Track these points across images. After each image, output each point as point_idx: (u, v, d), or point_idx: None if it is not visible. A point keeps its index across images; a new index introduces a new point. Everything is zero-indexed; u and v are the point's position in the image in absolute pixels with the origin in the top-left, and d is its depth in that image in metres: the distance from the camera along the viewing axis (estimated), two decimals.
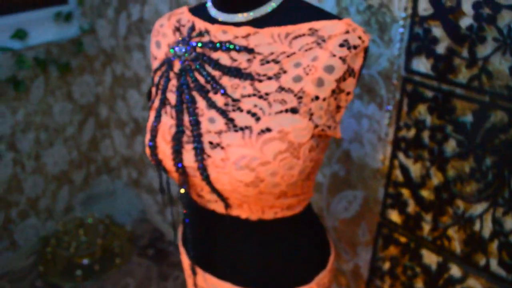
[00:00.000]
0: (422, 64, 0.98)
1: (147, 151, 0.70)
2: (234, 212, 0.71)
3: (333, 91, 0.59)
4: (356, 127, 1.18)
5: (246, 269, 0.76)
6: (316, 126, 0.60)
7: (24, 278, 2.16)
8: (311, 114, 0.59)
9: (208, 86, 0.63)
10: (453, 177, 1.01)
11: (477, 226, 1.01)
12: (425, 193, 1.08)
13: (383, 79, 1.07)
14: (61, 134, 2.40)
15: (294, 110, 0.58)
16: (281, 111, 0.58)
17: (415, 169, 1.08)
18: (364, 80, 1.10)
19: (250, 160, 0.57)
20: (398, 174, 1.12)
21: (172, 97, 0.68)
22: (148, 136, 0.70)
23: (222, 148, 0.60)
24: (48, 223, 2.42)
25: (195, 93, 0.64)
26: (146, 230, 2.46)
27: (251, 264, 0.75)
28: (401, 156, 1.10)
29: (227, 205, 0.69)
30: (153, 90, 0.72)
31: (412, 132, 1.06)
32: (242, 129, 0.59)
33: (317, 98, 0.58)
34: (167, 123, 0.67)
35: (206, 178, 0.63)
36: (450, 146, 0.99)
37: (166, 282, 2.13)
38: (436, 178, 1.04)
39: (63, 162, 2.44)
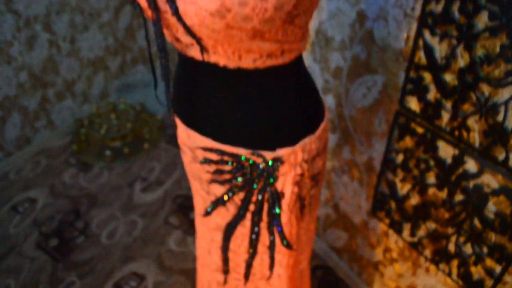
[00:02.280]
0: None
1: None
2: (212, 58, 0.67)
3: None
4: (382, 3, 1.06)
5: (227, 125, 0.74)
6: None
7: (59, 155, 2.32)
8: None
9: None
10: (480, 58, 0.90)
11: (500, 116, 0.91)
12: (448, 77, 0.98)
13: None
14: (96, 19, 2.40)
15: None
16: None
17: (440, 49, 0.97)
18: None
19: None
20: (421, 56, 1.02)
21: None
22: None
23: None
24: (84, 107, 2.53)
25: None
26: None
27: (232, 119, 0.72)
28: (426, 34, 0.99)
29: (202, 48, 0.65)
30: None
31: (440, 6, 0.93)
32: None
33: None
34: None
35: (175, 11, 0.59)
36: (482, 20, 0.87)
37: (185, 174, 2.17)
38: (462, 59, 0.94)
39: (98, 48, 2.47)
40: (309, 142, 0.77)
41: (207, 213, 0.93)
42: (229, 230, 0.91)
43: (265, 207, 0.82)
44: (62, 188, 2.11)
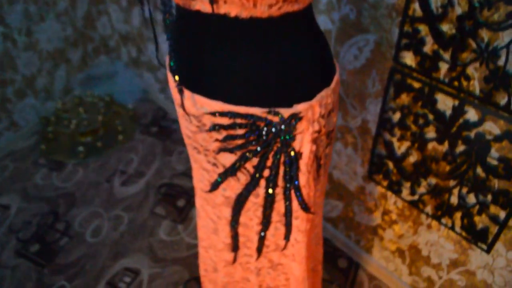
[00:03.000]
0: None
1: None
2: (222, 9, 0.62)
3: None
4: None
5: (239, 84, 0.69)
6: None
7: (26, 157, 2.19)
8: None
9: None
10: (480, 2, 0.89)
11: (501, 60, 0.91)
12: (445, 27, 0.97)
13: None
14: (52, 8, 2.26)
15: None
16: None
17: None
18: None
19: None
20: (416, 8, 1.01)
21: None
22: None
23: None
24: (48, 104, 2.39)
25: None
26: (148, 109, 2.43)
27: (244, 77, 0.68)
28: None
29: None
30: None
31: None
32: None
33: None
34: None
35: None
36: None
37: (170, 157, 2.14)
38: (459, 7, 0.93)
39: (57, 39, 2.34)
40: (326, 96, 0.74)
41: (214, 187, 0.88)
42: (239, 203, 0.88)
43: (281, 170, 0.78)
44: (35, 191, 2.00)
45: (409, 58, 1.07)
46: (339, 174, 1.49)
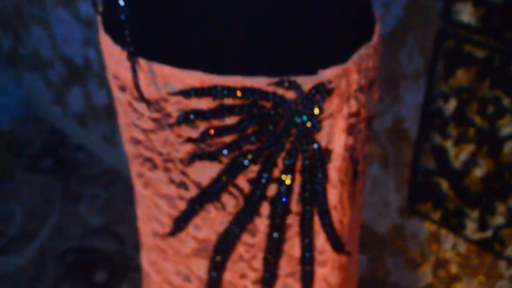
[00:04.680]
0: None
1: None
2: None
3: None
4: None
5: (232, 40, 0.69)
6: None
7: None
8: None
9: None
10: None
11: None
12: None
13: None
14: None
15: None
16: None
17: None
18: None
19: None
20: None
21: None
22: None
23: None
24: None
25: None
26: (35, 132, 2.43)
27: (240, 29, 0.68)
28: None
29: None
30: None
31: None
32: None
33: None
34: None
35: None
36: None
37: (77, 205, 2.13)
38: None
39: None
40: (366, 57, 0.74)
41: (180, 224, 0.85)
42: (224, 248, 0.85)
43: (296, 184, 0.77)
44: None
45: (466, 13, 1.09)
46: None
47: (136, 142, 0.83)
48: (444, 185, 1.29)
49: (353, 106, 0.74)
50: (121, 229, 2.03)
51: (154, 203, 0.88)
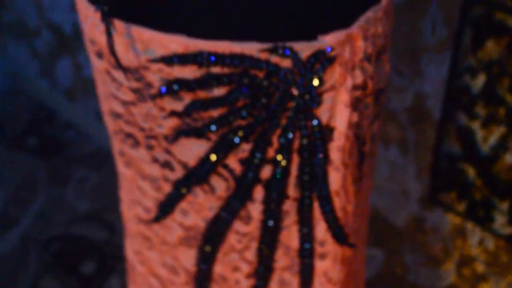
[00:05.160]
0: None
1: None
2: None
3: None
4: None
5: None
6: None
7: None
8: None
9: None
10: None
11: None
12: None
13: None
14: None
15: None
16: None
17: None
18: None
19: None
20: None
21: None
22: None
23: None
24: None
25: None
26: (19, 107, 2.45)
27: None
28: None
29: None
30: None
31: None
32: None
33: None
34: None
35: None
36: None
37: (64, 187, 2.14)
38: None
39: None
40: (374, 20, 0.73)
41: (165, 209, 0.86)
42: (213, 237, 0.86)
43: (294, 165, 0.77)
44: None
45: None
46: (375, 197, 1.49)
47: (116, 115, 0.83)
48: (471, 172, 1.28)
49: (359, 77, 0.73)
50: (112, 216, 2.04)
51: (137, 185, 0.89)
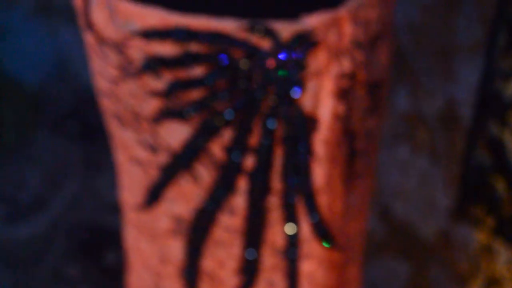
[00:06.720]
0: None
1: None
2: None
3: None
4: None
5: None
6: None
7: None
8: None
9: None
10: None
11: None
12: None
13: None
14: None
15: None
16: None
17: None
18: None
19: None
20: None
21: None
22: None
23: None
24: None
25: None
26: (64, 92, 2.47)
27: None
28: None
29: None
30: None
31: None
32: None
33: None
34: None
35: None
36: None
37: (98, 175, 2.17)
38: None
39: None
40: (366, 4, 0.72)
41: (153, 196, 0.86)
42: (199, 228, 0.86)
43: (278, 156, 0.77)
44: None
45: None
46: (400, 208, 1.46)
47: (104, 95, 0.85)
48: (500, 185, 1.24)
49: (346, 65, 0.73)
50: None
51: (126, 169, 0.91)
